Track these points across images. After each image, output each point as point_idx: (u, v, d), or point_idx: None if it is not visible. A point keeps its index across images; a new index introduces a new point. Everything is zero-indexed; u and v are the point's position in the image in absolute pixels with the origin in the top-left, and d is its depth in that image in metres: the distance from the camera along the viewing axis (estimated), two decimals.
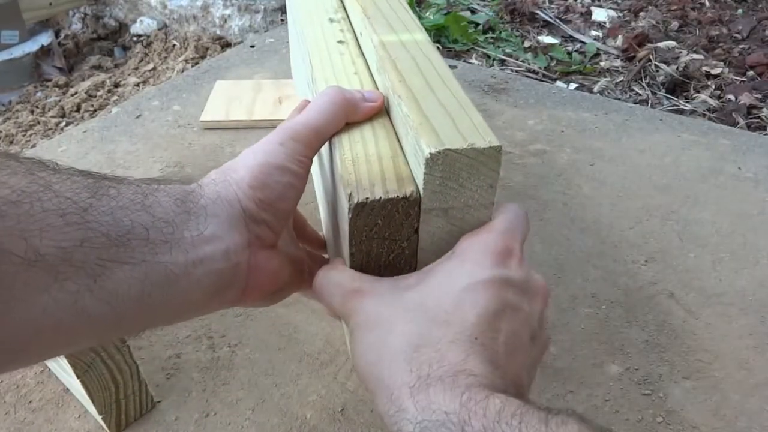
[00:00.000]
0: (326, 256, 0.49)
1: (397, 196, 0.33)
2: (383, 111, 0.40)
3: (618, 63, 1.47)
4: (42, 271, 0.25)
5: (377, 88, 0.43)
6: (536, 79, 1.35)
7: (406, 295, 0.33)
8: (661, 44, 1.48)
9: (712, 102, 1.27)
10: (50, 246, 0.25)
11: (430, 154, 0.31)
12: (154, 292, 0.29)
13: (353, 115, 0.38)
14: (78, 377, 0.47)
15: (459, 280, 0.32)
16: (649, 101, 1.31)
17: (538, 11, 1.69)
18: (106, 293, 0.27)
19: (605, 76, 1.42)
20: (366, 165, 0.35)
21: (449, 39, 1.54)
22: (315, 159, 0.39)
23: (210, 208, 0.32)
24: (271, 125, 0.97)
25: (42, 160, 0.28)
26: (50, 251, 0.25)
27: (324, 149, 0.42)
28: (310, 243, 0.47)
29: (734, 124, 1.18)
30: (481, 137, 0.32)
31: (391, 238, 0.35)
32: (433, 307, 0.31)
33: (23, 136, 1.62)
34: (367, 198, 0.32)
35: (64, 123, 1.67)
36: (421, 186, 0.33)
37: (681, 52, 1.45)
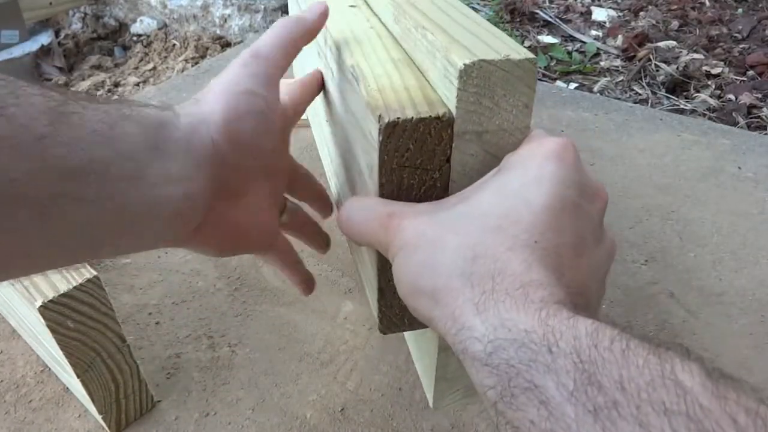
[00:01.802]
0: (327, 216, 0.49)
1: (430, 116, 0.31)
2: (407, 58, 0.39)
3: (618, 62, 1.47)
4: None
5: (396, 41, 0.41)
6: (536, 78, 1.35)
7: (451, 211, 0.30)
8: (661, 44, 1.48)
9: (712, 102, 1.27)
10: None
11: (465, 65, 0.29)
12: (104, 231, 0.28)
13: (307, 27, 0.38)
14: (78, 377, 0.47)
15: (509, 185, 0.29)
16: (649, 101, 1.31)
17: (538, 11, 1.69)
18: (54, 231, 0.26)
19: (605, 76, 1.42)
20: (394, 94, 0.33)
21: None
22: (321, 108, 0.38)
23: (182, 143, 0.30)
24: None
25: (8, 78, 0.25)
26: None
27: (335, 92, 0.42)
28: (311, 199, 0.47)
29: (734, 123, 1.18)
30: (514, 51, 0.30)
31: (423, 167, 0.33)
32: (483, 216, 0.28)
33: None
34: (398, 118, 0.30)
35: None
36: (454, 106, 0.31)
37: (681, 51, 1.45)
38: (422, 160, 0.32)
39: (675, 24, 1.61)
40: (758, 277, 0.71)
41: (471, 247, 0.27)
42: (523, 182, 0.29)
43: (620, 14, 1.71)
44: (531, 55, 0.30)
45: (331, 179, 0.55)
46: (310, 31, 0.38)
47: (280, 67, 0.36)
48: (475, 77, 0.30)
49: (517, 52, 0.30)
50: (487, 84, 0.30)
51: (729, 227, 0.79)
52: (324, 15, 0.39)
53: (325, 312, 0.65)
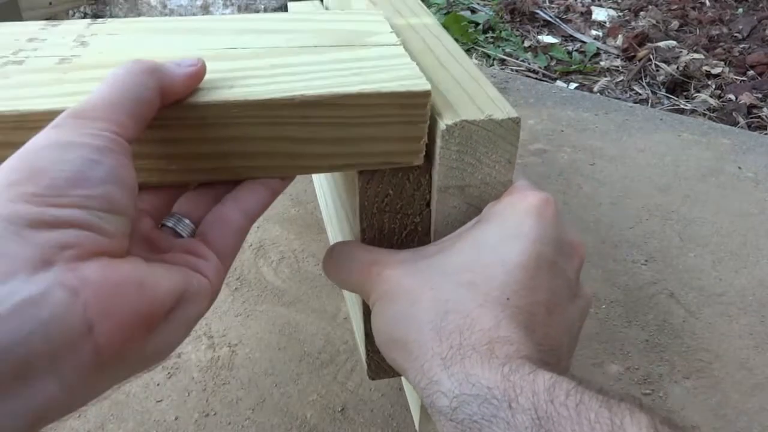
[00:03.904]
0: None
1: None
2: None
3: (618, 62, 1.47)
4: None
5: None
6: (536, 78, 1.35)
7: (429, 261, 0.30)
8: (661, 44, 1.48)
9: (713, 101, 1.27)
10: None
11: (447, 126, 0.29)
12: None
13: (168, 80, 0.27)
14: None
15: (486, 239, 0.29)
16: (649, 101, 1.31)
17: (538, 11, 1.69)
18: None
19: (605, 76, 1.42)
20: None
21: None
22: None
23: None
24: None
25: None
26: None
27: None
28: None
29: (734, 123, 1.18)
30: (498, 109, 0.31)
31: (403, 212, 0.33)
32: (458, 271, 0.29)
33: None
34: None
35: None
36: (437, 161, 0.31)
37: (681, 51, 1.45)
38: (402, 205, 0.33)
39: (675, 24, 1.61)
40: (758, 277, 0.71)
41: (444, 303, 0.28)
42: (501, 237, 0.29)
43: (620, 14, 1.71)
44: (514, 114, 0.31)
45: (327, 225, 0.56)
46: (172, 91, 0.28)
47: (120, 123, 0.25)
48: (458, 136, 0.30)
49: (501, 110, 0.31)
50: (469, 142, 0.30)
51: (729, 227, 0.79)
52: (196, 77, 0.29)
53: (325, 312, 0.65)
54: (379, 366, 0.40)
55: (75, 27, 0.36)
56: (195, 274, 0.27)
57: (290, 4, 0.81)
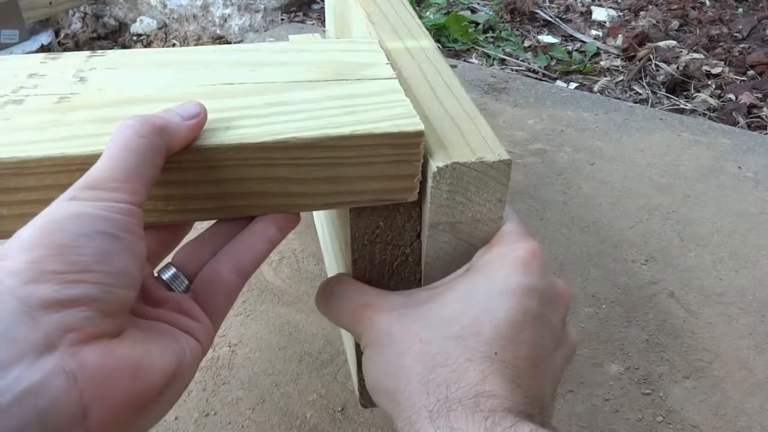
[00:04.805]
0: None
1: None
2: None
3: (618, 62, 1.47)
4: None
5: None
6: (536, 78, 1.35)
7: (418, 310, 0.31)
8: (661, 43, 1.48)
9: (713, 101, 1.27)
10: None
11: (438, 168, 0.30)
12: None
13: (174, 137, 0.28)
14: None
15: (475, 293, 0.30)
16: (649, 101, 1.31)
17: (538, 10, 1.69)
18: None
19: (605, 76, 1.42)
20: None
21: (449, 38, 1.54)
22: None
23: None
24: None
25: None
26: None
27: None
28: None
29: (734, 123, 1.18)
30: (490, 150, 0.31)
31: (394, 243, 0.34)
32: (447, 323, 0.29)
33: None
34: None
35: None
36: (428, 200, 0.32)
37: (681, 51, 1.45)
38: (393, 236, 0.34)
39: (675, 24, 1.61)
40: (758, 277, 0.71)
41: (432, 356, 0.28)
42: (489, 292, 0.30)
43: (620, 14, 1.71)
44: (505, 156, 0.31)
45: (324, 253, 0.57)
46: (177, 144, 0.28)
47: (137, 192, 0.26)
48: (449, 177, 0.30)
49: (493, 151, 0.31)
50: (460, 183, 0.31)
51: (729, 227, 0.79)
52: (198, 128, 0.29)
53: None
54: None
55: (74, 60, 0.36)
56: (187, 339, 0.28)
57: (291, 37, 0.81)
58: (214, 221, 0.33)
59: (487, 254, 0.32)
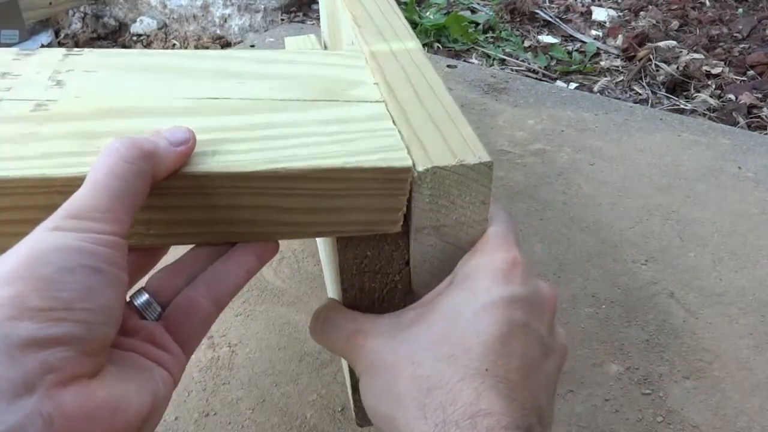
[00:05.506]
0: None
1: None
2: None
3: (618, 62, 1.47)
4: None
5: None
6: (536, 78, 1.35)
7: (408, 333, 0.31)
8: (661, 44, 1.48)
9: (713, 101, 1.27)
10: None
11: (418, 172, 0.30)
12: None
13: (161, 164, 0.27)
14: None
15: (460, 309, 0.30)
16: (649, 101, 1.31)
17: (538, 11, 1.69)
18: None
19: (605, 76, 1.42)
20: None
21: (449, 39, 1.54)
22: None
23: None
24: None
25: None
26: None
27: None
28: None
29: (734, 123, 1.18)
30: (471, 152, 0.31)
31: (383, 272, 0.34)
32: (436, 344, 0.29)
33: None
34: None
35: None
36: (411, 204, 0.31)
37: (681, 51, 1.45)
38: (381, 265, 0.33)
39: (675, 24, 1.61)
40: (758, 277, 0.71)
41: (425, 378, 0.29)
42: (474, 309, 0.30)
43: (620, 14, 1.71)
44: (486, 158, 0.31)
45: (326, 279, 0.57)
46: (164, 171, 0.27)
47: (121, 222, 0.25)
48: (429, 181, 0.30)
49: (474, 153, 0.31)
50: (441, 186, 0.31)
51: (729, 227, 0.79)
52: (187, 155, 0.28)
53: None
54: (367, 415, 0.41)
55: (50, 59, 0.35)
56: (160, 372, 0.27)
57: (287, 39, 0.81)
58: (192, 246, 0.32)
59: (467, 265, 0.32)
